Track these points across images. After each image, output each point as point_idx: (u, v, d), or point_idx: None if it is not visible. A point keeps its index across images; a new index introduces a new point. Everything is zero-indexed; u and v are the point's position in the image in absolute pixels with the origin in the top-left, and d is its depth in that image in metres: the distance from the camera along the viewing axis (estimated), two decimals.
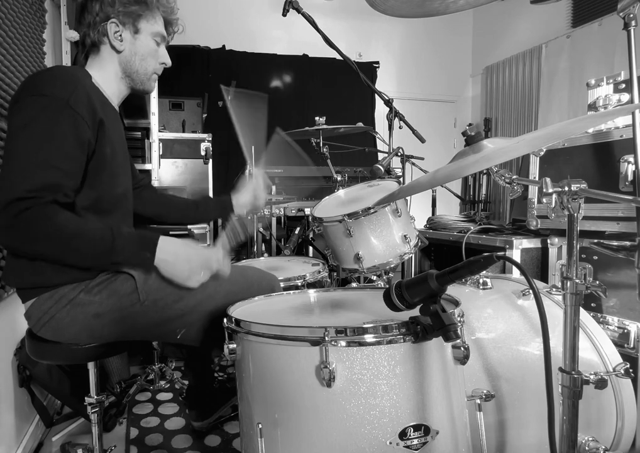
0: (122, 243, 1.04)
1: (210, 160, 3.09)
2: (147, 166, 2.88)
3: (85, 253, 1.03)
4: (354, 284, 1.66)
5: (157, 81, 1.32)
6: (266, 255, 2.60)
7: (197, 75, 4.31)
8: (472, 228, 2.10)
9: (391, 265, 1.60)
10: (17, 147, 1.01)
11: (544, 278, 1.82)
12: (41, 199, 0.97)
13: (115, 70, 1.23)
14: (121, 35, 1.20)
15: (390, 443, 0.78)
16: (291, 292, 1.23)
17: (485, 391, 0.96)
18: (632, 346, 1.40)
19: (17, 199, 0.95)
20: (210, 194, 3.11)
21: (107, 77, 1.22)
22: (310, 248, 2.91)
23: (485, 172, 4.54)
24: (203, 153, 3.06)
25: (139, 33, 1.21)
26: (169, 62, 1.29)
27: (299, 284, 1.57)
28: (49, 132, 1.01)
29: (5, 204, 0.95)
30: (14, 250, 1.09)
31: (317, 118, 2.14)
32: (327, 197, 1.85)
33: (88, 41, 1.20)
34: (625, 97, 1.51)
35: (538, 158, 1.74)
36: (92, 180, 1.11)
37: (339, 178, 1.97)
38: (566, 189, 0.80)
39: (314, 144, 2.17)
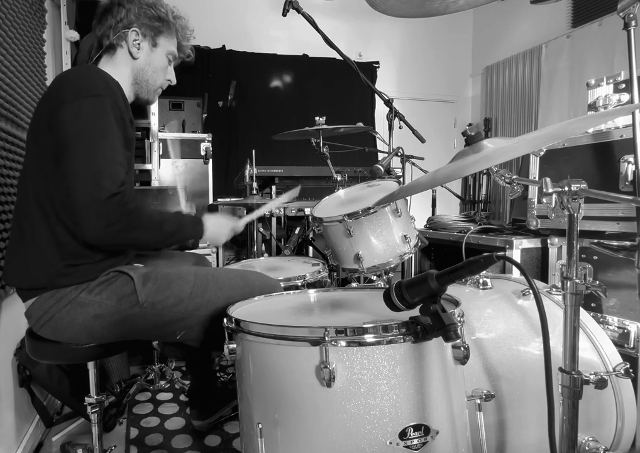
0: (185, 219, 1.22)
1: (210, 160, 3.09)
2: (147, 166, 2.89)
3: (171, 233, 1.16)
4: (354, 284, 1.66)
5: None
6: (266, 255, 2.59)
7: (196, 75, 4.31)
8: (472, 228, 2.10)
9: (391, 265, 1.60)
10: (91, 148, 1.04)
11: (544, 278, 1.82)
12: (126, 192, 1.05)
13: (128, 74, 1.28)
14: (139, 44, 1.26)
15: (390, 443, 0.78)
16: (291, 292, 1.23)
17: (485, 391, 0.96)
18: (632, 346, 1.40)
19: (113, 195, 1.01)
20: (210, 195, 3.11)
21: (120, 81, 1.25)
22: (310, 248, 2.91)
23: (485, 172, 4.54)
24: (203, 153, 3.06)
25: (156, 47, 1.29)
26: (174, 81, 1.38)
27: (299, 284, 1.57)
28: (110, 131, 1.08)
29: (103, 201, 1.00)
30: (119, 245, 1.18)
31: (317, 118, 2.14)
32: (327, 197, 1.84)
33: (106, 42, 1.25)
34: (625, 97, 1.51)
35: (538, 158, 1.74)
36: None
37: (339, 178, 1.97)
38: (566, 189, 0.80)
39: (314, 144, 2.17)
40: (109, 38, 1.24)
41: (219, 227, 1.30)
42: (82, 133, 1.05)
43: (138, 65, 1.28)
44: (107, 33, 1.24)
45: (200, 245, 1.54)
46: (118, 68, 1.26)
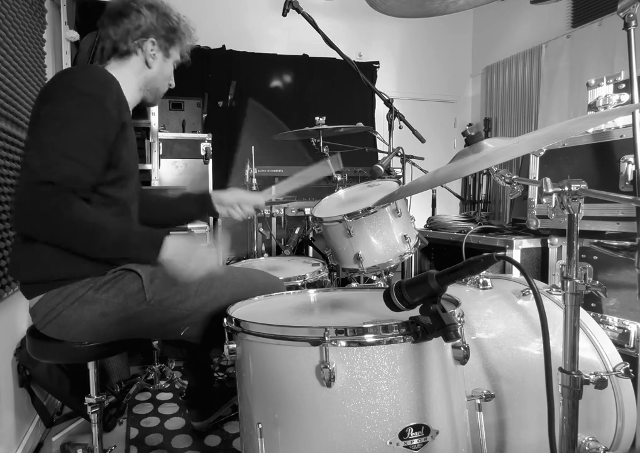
0: (137, 241, 1.10)
1: (210, 160, 3.09)
2: (147, 166, 2.88)
3: (102, 244, 1.06)
4: (354, 284, 1.66)
5: None
6: (266, 255, 2.60)
7: (197, 75, 4.31)
8: (472, 228, 2.10)
9: (391, 265, 1.60)
10: (46, 136, 1.04)
11: (544, 278, 1.82)
12: (60, 186, 1.00)
13: (139, 81, 1.30)
14: (154, 54, 1.28)
15: (390, 443, 0.78)
16: (291, 292, 1.23)
17: (485, 391, 0.96)
18: (632, 346, 1.40)
19: (38, 183, 0.99)
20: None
21: (128, 85, 1.27)
22: (310, 248, 2.91)
23: (485, 172, 4.54)
24: (203, 153, 3.06)
25: (169, 58, 1.33)
26: (174, 84, 1.41)
27: (299, 284, 1.57)
28: (79, 127, 1.05)
29: (27, 187, 1.00)
30: (34, 235, 1.10)
31: (317, 118, 2.14)
32: (327, 197, 1.85)
33: (124, 48, 1.25)
34: (625, 97, 1.51)
35: (538, 158, 1.74)
36: (102, 179, 1.13)
37: (339, 178, 1.97)
38: (566, 189, 0.80)
39: (314, 144, 2.17)
40: (127, 43, 1.25)
41: (181, 255, 1.11)
42: (44, 121, 1.06)
43: (151, 74, 1.31)
44: (125, 38, 1.25)
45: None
46: (130, 75, 1.27)
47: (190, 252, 1.13)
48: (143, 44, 1.26)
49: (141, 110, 2.90)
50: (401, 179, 1.96)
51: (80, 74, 1.14)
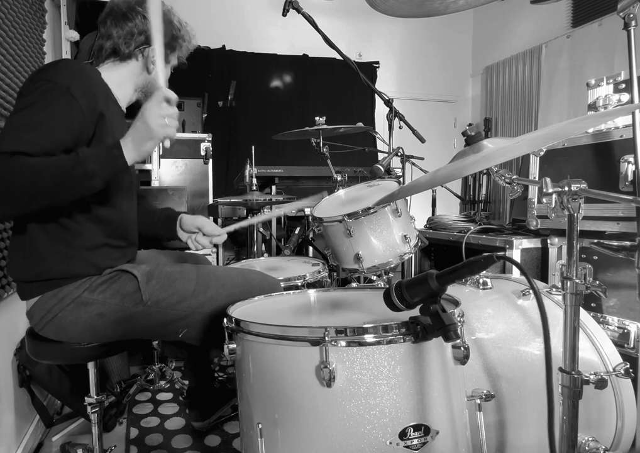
0: (88, 152, 1.00)
1: (210, 160, 3.09)
2: (147, 166, 2.88)
3: (61, 176, 0.97)
4: (354, 284, 1.66)
5: None
6: (266, 255, 2.59)
7: (196, 75, 4.31)
8: (472, 228, 2.10)
9: (391, 265, 1.60)
10: (6, 121, 1.02)
11: (544, 278, 1.82)
12: (3, 154, 0.94)
13: (137, 83, 1.30)
14: (155, 60, 1.26)
15: (390, 443, 0.78)
16: (291, 292, 1.23)
17: (485, 391, 0.96)
18: (632, 346, 1.40)
19: None
20: (210, 195, 3.11)
21: (124, 85, 1.27)
22: (310, 248, 2.91)
23: (485, 172, 4.54)
24: (203, 153, 3.06)
25: (168, 63, 1.32)
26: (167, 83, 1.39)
27: (299, 284, 1.57)
28: (36, 110, 1.01)
29: None
30: (6, 207, 1.00)
31: (317, 118, 2.14)
32: (327, 197, 1.84)
33: (125, 51, 1.24)
34: (625, 97, 1.51)
35: (538, 158, 1.74)
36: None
37: (339, 178, 1.97)
38: (566, 189, 0.80)
39: (314, 144, 2.17)
40: (129, 47, 1.24)
41: (143, 138, 1.02)
42: (14, 109, 1.04)
43: (149, 79, 1.30)
44: (128, 42, 1.23)
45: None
46: (127, 74, 1.27)
47: (143, 128, 1.02)
48: (144, 51, 1.26)
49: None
50: (401, 179, 1.96)
51: (51, 66, 1.12)
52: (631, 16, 1.12)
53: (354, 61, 2.01)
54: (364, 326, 0.80)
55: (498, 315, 1.22)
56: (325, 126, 2.10)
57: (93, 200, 1.14)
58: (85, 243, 1.15)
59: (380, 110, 4.92)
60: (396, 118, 2.09)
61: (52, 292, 1.12)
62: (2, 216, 1.19)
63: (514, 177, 0.99)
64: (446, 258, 2.44)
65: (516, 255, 1.82)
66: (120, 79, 1.25)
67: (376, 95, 2.35)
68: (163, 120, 1.01)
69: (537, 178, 1.74)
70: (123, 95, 1.29)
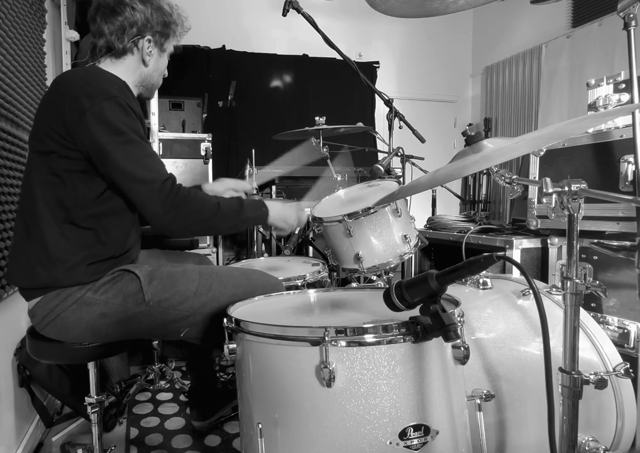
0: (245, 202, 1.23)
1: (210, 160, 3.09)
2: None
3: (228, 215, 1.18)
4: (354, 284, 1.66)
5: None
6: (266, 255, 2.60)
7: (197, 75, 4.31)
8: (472, 228, 2.10)
9: (391, 265, 1.60)
10: (128, 147, 1.09)
11: (544, 278, 1.82)
12: (174, 178, 1.11)
13: (134, 79, 1.29)
14: (150, 51, 1.27)
15: (390, 443, 0.78)
16: (291, 292, 1.23)
17: (485, 391, 0.96)
18: (632, 346, 1.40)
19: (164, 182, 1.08)
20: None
21: (125, 80, 1.25)
22: (310, 248, 2.91)
23: (485, 172, 4.54)
24: (203, 153, 3.06)
25: (164, 52, 1.31)
26: (166, 73, 1.40)
27: (299, 284, 1.57)
28: (134, 127, 1.13)
29: (157, 191, 1.07)
30: (182, 230, 1.17)
31: (317, 118, 2.14)
32: (327, 197, 1.84)
33: (119, 46, 1.22)
34: (625, 97, 1.51)
35: (538, 158, 1.74)
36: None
37: (339, 179, 1.97)
38: (566, 189, 0.80)
39: (314, 144, 2.17)
40: (122, 42, 1.22)
41: (282, 211, 1.30)
42: (114, 136, 1.07)
43: (147, 71, 1.29)
44: (121, 37, 1.21)
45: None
46: (125, 71, 1.25)
47: (287, 211, 1.31)
48: (138, 43, 1.24)
49: (142, 110, 2.90)
50: (401, 179, 1.96)
51: (97, 77, 1.16)
52: (631, 16, 1.12)
53: (354, 61, 2.01)
54: (364, 326, 0.80)
55: (498, 315, 1.22)
56: (325, 126, 2.10)
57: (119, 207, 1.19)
58: (93, 260, 1.16)
59: (380, 110, 4.92)
60: (396, 118, 2.09)
61: (55, 292, 1.12)
62: (176, 233, 1.23)
63: (514, 177, 0.99)
64: (446, 258, 2.44)
65: (516, 255, 1.82)
66: (123, 78, 1.24)
67: (376, 95, 2.35)
68: (297, 222, 1.35)
69: (537, 178, 1.74)
70: None
